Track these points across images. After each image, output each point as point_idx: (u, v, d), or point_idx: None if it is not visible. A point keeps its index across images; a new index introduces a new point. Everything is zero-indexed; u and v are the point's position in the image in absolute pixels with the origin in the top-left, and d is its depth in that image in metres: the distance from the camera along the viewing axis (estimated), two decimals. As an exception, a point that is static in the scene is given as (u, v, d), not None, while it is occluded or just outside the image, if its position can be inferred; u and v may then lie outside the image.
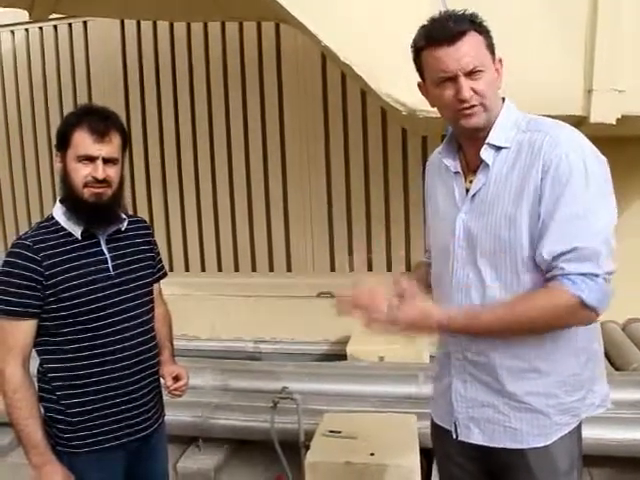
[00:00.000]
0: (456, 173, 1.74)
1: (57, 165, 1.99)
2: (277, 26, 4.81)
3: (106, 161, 1.94)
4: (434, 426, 1.93)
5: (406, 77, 2.79)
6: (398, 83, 2.86)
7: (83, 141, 1.91)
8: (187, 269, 5.23)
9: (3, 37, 5.58)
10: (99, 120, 1.93)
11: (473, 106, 1.60)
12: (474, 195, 1.68)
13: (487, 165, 1.65)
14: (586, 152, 1.58)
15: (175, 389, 2.22)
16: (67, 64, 5.44)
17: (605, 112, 2.82)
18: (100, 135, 1.91)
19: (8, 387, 1.91)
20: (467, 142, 1.72)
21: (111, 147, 1.94)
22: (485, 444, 1.73)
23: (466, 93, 1.58)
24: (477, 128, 1.64)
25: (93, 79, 5.38)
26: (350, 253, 4.97)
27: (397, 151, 4.75)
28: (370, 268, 4.95)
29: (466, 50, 1.57)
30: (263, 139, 5.04)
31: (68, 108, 5.36)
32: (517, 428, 1.69)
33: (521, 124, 1.65)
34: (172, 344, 2.33)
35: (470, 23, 1.60)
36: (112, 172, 1.96)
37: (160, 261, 2.27)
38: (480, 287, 1.67)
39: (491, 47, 1.64)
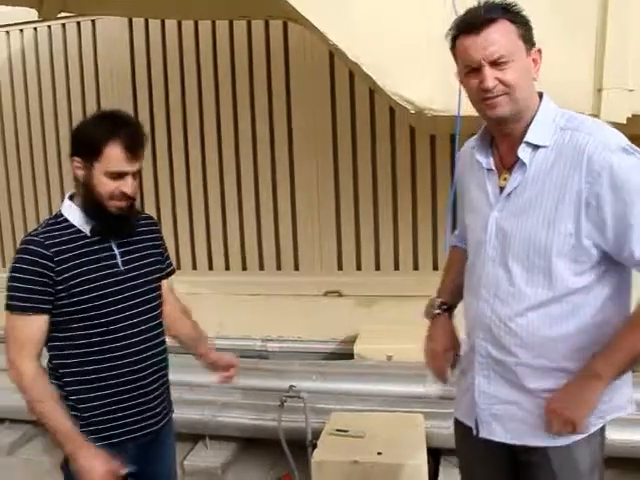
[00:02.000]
0: (489, 170, 1.71)
1: (78, 171, 1.94)
2: (285, 25, 4.80)
3: (133, 174, 1.95)
4: (456, 422, 1.93)
5: (414, 76, 2.82)
6: (407, 82, 2.85)
7: (116, 158, 1.89)
8: (195, 267, 5.23)
9: (12, 36, 5.59)
10: (132, 136, 1.91)
11: (497, 96, 1.57)
12: (509, 194, 1.65)
13: (524, 164, 1.62)
14: (629, 150, 1.57)
15: (228, 377, 2.31)
16: (75, 63, 5.45)
17: (615, 111, 2.81)
18: (134, 153, 1.91)
19: (26, 383, 1.92)
20: (500, 138, 1.70)
21: (139, 162, 1.95)
22: (507, 441, 1.73)
23: (490, 82, 1.56)
24: (503, 118, 1.61)
25: (101, 78, 5.39)
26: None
27: (405, 150, 4.74)
28: (378, 268, 4.94)
29: (493, 38, 1.55)
30: (271, 138, 5.04)
31: (77, 106, 5.39)
32: (539, 426, 1.67)
33: (559, 121, 1.63)
34: (204, 333, 2.35)
35: (503, 11, 1.57)
36: (135, 184, 1.97)
37: (168, 257, 2.28)
38: (508, 286, 1.66)
39: (525, 37, 1.60)
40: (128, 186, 1.93)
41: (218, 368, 2.34)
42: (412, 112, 2.92)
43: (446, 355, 1.90)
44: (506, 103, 1.58)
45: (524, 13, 1.61)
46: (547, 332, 1.64)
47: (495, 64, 1.55)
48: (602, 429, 1.73)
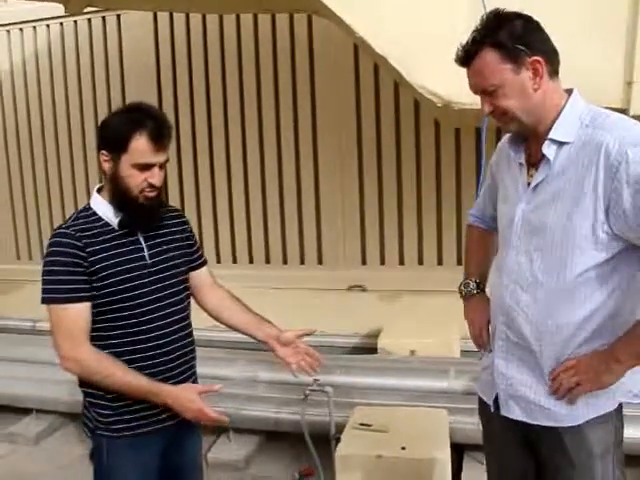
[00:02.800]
0: (521, 165, 1.80)
1: (105, 165, 1.96)
2: (309, 18, 4.79)
3: (159, 166, 1.96)
4: (480, 400, 2.03)
5: (441, 69, 2.79)
6: (433, 75, 2.84)
7: (143, 150, 1.91)
8: (218, 261, 5.24)
9: (39, 31, 5.64)
10: (157, 127, 1.93)
11: (499, 118, 1.70)
12: (535, 187, 1.73)
13: (549, 160, 1.69)
14: None
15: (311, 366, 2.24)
16: (101, 57, 5.48)
17: (646, 104, 2.78)
18: (160, 144, 1.92)
19: (91, 366, 1.94)
20: (529, 136, 1.77)
21: (166, 153, 1.97)
22: (523, 419, 1.82)
23: (486, 108, 1.69)
24: (516, 131, 1.73)
25: (126, 72, 5.42)
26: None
27: (430, 144, 4.72)
28: (402, 262, 4.92)
29: (477, 71, 1.66)
30: (295, 133, 5.04)
31: (102, 101, 5.43)
32: (550, 408, 1.77)
33: (585, 118, 1.68)
34: (260, 317, 2.30)
35: (485, 37, 1.63)
36: (162, 174, 1.99)
37: (198, 250, 2.28)
38: (528, 275, 1.75)
39: (511, 56, 1.63)
40: (155, 177, 1.95)
41: (288, 352, 2.23)
42: (438, 105, 2.90)
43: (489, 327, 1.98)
44: (509, 122, 1.70)
45: (514, 24, 1.64)
46: (563, 320, 1.71)
47: (485, 93, 1.67)
48: (617, 411, 1.78)
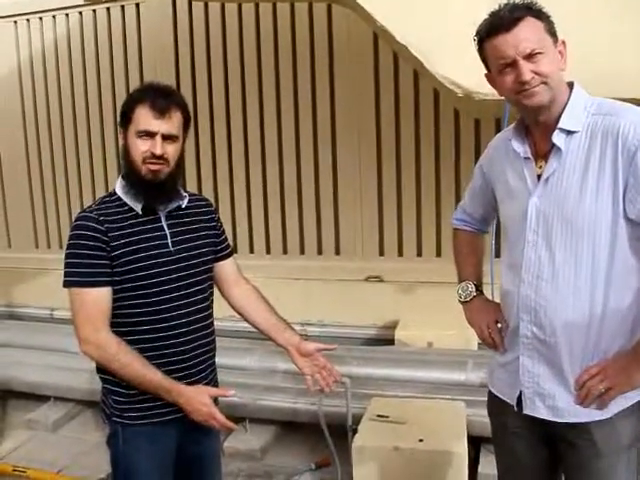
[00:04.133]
0: (526, 159, 1.79)
1: (121, 142, 2.01)
2: (329, 8, 4.75)
3: (165, 138, 1.96)
4: (492, 396, 2.01)
5: (463, 59, 2.75)
6: (455, 65, 2.81)
7: (144, 116, 1.93)
8: (236, 251, 5.20)
9: (58, 20, 5.65)
10: (161, 96, 1.95)
11: (535, 86, 1.66)
12: (547, 179, 1.72)
13: (559, 150, 1.69)
14: None
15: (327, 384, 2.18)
16: (120, 46, 5.48)
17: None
18: (160, 111, 1.94)
19: (109, 353, 1.94)
20: (535, 127, 1.77)
21: (171, 124, 1.97)
22: (549, 419, 1.80)
23: (527, 76, 1.64)
24: (541, 106, 1.69)
25: (145, 61, 5.41)
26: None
27: (449, 134, 4.68)
28: (419, 254, 4.90)
29: (523, 35, 1.64)
30: (314, 122, 5.01)
31: (120, 89, 5.43)
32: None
33: (590, 108, 1.70)
34: (284, 321, 2.27)
35: (527, 10, 1.67)
36: (171, 149, 1.98)
37: (225, 240, 2.28)
38: (551, 269, 1.73)
39: (551, 31, 1.69)
40: (157, 147, 1.95)
41: (305, 363, 2.21)
42: (459, 95, 2.88)
43: (498, 325, 1.97)
44: (544, 91, 1.66)
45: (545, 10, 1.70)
46: (590, 312, 1.70)
47: (529, 57, 1.64)
48: None
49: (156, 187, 1.99)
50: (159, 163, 1.96)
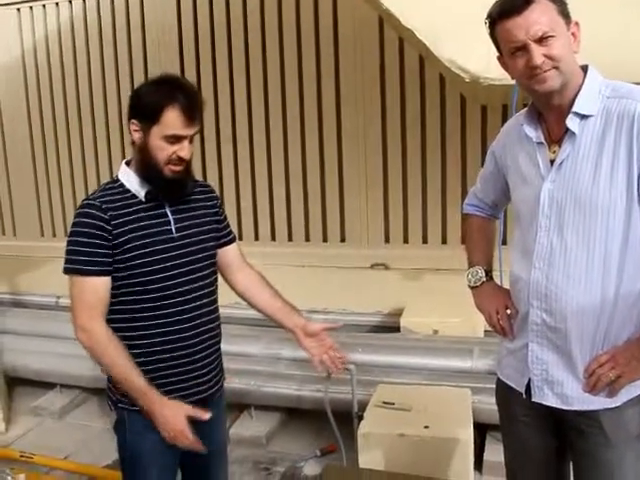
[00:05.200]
0: (539, 144, 1.76)
1: (135, 134, 1.96)
2: (334, -9, 4.72)
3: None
4: (500, 384, 1.99)
5: (470, 44, 2.74)
6: (462, 49, 2.79)
7: (174, 122, 1.91)
8: (240, 238, 5.23)
9: (61, 7, 5.62)
10: (190, 101, 1.93)
11: (546, 70, 1.63)
12: (560, 164, 1.70)
13: (573, 134, 1.67)
14: None
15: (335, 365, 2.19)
16: (123, 31, 5.44)
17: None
18: (192, 118, 1.92)
19: (99, 345, 1.94)
20: (548, 111, 1.75)
21: (197, 126, 1.97)
22: (558, 406, 1.78)
23: (538, 60, 1.61)
24: (552, 91, 1.66)
25: (149, 46, 5.37)
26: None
27: (456, 121, 4.64)
28: (425, 241, 4.88)
29: (535, 18, 1.61)
30: (318, 109, 4.98)
31: (124, 77, 5.41)
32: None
33: (605, 91, 1.67)
34: (290, 305, 2.27)
35: None
36: (191, 148, 1.99)
37: (228, 226, 2.27)
38: (563, 255, 1.71)
39: (564, 12, 1.66)
40: (185, 150, 1.95)
41: (312, 343, 2.21)
42: (467, 81, 2.85)
43: (507, 312, 1.95)
44: (555, 76, 1.64)
45: None
46: (602, 299, 1.68)
47: (540, 41, 1.61)
48: None
49: (177, 185, 2.01)
50: (182, 164, 1.98)
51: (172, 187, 2.00)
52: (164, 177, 1.96)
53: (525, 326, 1.83)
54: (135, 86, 2.09)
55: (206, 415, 1.99)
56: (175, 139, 1.93)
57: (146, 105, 1.94)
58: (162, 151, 1.93)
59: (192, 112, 1.93)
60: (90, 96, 5.66)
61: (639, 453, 1.75)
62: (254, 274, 2.31)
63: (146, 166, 1.97)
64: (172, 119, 1.90)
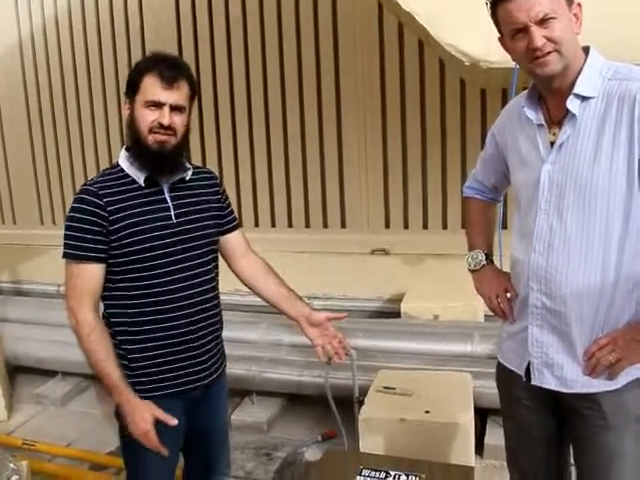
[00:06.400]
0: (540, 126, 1.75)
1: (125, 112, 1.99)
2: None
3: (173, 108, 1.95)
4: (500, 367, 2.00)
5: (469, 27, 2.72)
6: (461, 33, 2.78)
7: (152, 87, 1.92)
8: (241, 225, 5.18)
9: (58, -9, 5.59)
10: (169, 67, 1.94)
11: (548, 53, 1.61)
12: (560, 146, 1.69)
13: (574, 116, 1.66)
14: None
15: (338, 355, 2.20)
16: (121, 15, 5.40)
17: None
18: (169, 82, 1.92)
19: (83, 331, 1.95)
20: (548, 93, 1.73)
21: (179, 95, 1.95)
22: (558, 389, 1.78)
23: (538, 42, 1.59)
24: (553, 75, 1.65)
25: (147, 30, 5.34)
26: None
27: (455, 105, 4.62)
28: (425, 226, 4.88)
29: None
30: (318, 94, 4.96)
31: (123, 63, 5.39)
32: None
33: (606, 73, 1.65)
34: (294, 293, 2.26)
35: None
36: (178, 120, 1.97)
37: (231, 212, 2.26)
38: (563, 237, 1.70)
39: None
40: (165, 117, 1.93)
41: (316, 333, 2.21)
42: (466, 64, 2.84)
43: (507, 295, 1.95)
44: (556, 60, 1.62)
45: None
46: (601, 281, 1.68)
47: (541, 23, 1.59)
48: None
49: (162, 158, 1.98)
50: (167, 134, 1.95)
51: (158, 159, 1.97)
52: (149, 148, 1.95)
53: (525, 309, 1.83)
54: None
55: (173, 421, 1.98)
56: (155, 105, 1.93)
57: (129, 78, 1.98)
58: (144, 119, 1.94)
59: (170, 77, 1.93)
60: (88, 81, 5.63)
61: (638, 435, 1.75)
62: (259, 261, 2.30)
63: (134, 141, 1.98)
64: (150, 84, 1.92)
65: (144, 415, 1.96)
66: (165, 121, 1.93)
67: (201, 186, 2.14)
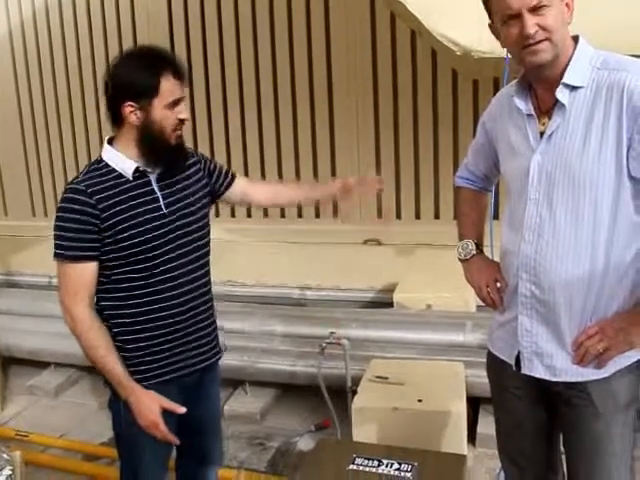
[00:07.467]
0: (529, 116, 1.75)
1: (132, 116, 1.94)
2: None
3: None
4: (491, 356, 2.01)
5: (461, 17, 2.72)
6: (453, 23, 2.78)
7: (172, 88, 1.94)
8: (233, 215, 5.22)
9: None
10: (175, 62, 1.97)
11: (539, 42, 1.60)
12: (550, 136, 1.69)
13: (563, 105, 1.66)
14: None
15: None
16: (112, 7, 5.38)
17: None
18: (182, 77, 1.97)
19: (81, 329, 1.96)
20: (538, 83, 1.73)
21: (185, 83, 2.03)
22: (547, 378, 1.80)
23: (531, 29, 1.59)
24: (544, 64, 1.64)
25: (137, 21, 5.32)
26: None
27: (447, 95, 4.62)
28: (418, 217, 4.88)
29: None
30: (310, 82, 4.94)
31: (114, 54, 5.33)
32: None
33: (596, 63, 1.65)
34: (310, 183, 2.42)
35: None
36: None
37: (221, 171, 2.29)
38: (552, 227, 1.71)
39: None
40: (184, 111, 1.99)
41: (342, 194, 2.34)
42: (458, 54, 2.84)
43: (497, 284, 1.96)
44: (548, 48, 1.62)
45: None
46: (590, 271, 1.69)
47: (534, 10, 1.59)
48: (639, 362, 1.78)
49: (181, 151, 2.06)
50: (182, 127, 2.02)
51: (178, 153, 2.05)
52: (171, 146, 1.99)
53: (515, 299, 1.83)
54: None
55: (181, 409, 2.03)
56: (175, 104, 1.96)
57: (139, 84, 1.92)
58: (167, 119, 1.95)
59: (182, 72, 1.98)
60: (79, 73, 5.59)
61: (626, 422, 1.77)
62: (268, 184, 2.39)
63: (152, 141, 1.96)
64: (170, 86, 1.93)
65: (151, 406, 1.98)
66: (185, 116, 1.99)
67: (185, 169, 2.14)
